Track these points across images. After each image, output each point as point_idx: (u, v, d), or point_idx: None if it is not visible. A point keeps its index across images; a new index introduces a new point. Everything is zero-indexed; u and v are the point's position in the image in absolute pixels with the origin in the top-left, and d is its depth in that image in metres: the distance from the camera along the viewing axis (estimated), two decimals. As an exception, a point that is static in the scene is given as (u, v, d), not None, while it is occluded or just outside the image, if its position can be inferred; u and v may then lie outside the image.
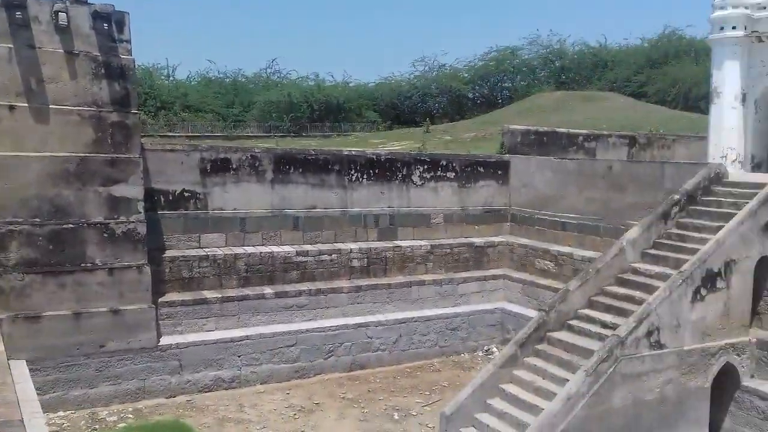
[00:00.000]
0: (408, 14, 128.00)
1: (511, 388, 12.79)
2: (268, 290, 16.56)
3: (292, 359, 16.29)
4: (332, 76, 64.59)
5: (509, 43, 58.23)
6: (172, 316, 15.39)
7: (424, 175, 19.73)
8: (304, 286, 17.00)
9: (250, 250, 16.90)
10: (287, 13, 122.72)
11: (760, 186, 14.10)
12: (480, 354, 18.58)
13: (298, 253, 17.26)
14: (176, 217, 16.31)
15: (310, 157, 18.20)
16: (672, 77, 45.36)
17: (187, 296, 15.70)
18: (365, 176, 18.78)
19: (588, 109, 38.87)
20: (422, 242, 19.21)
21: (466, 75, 58.13)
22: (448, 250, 19.47)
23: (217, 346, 15.51)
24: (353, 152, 19.85)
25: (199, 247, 16.52)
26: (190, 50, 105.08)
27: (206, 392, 15.28)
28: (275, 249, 17.18)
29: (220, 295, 15.98)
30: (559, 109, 39.36)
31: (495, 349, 18.37)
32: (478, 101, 58.01)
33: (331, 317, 17.05)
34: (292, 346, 16.26)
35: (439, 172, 19.98)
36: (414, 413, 14.53)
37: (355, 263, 18.00)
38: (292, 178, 17.79)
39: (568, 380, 11.80)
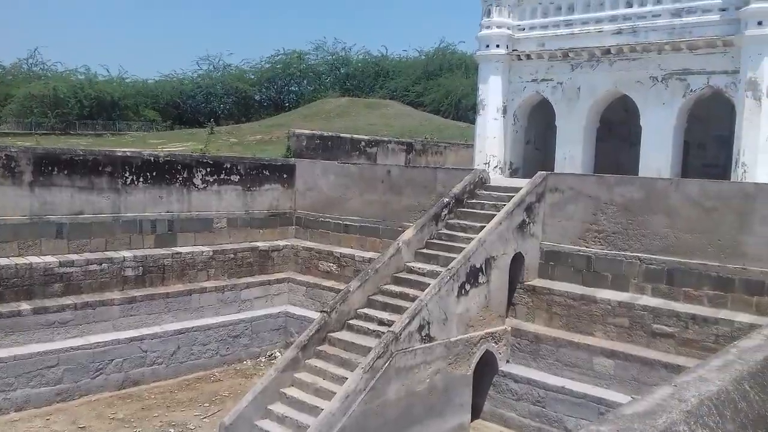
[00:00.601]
0: (191, 10, 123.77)
1: (293, 392, 12.80)
2: (24, 306, 14.81)
3: (53, 381, 14.71)
4: (107, 70, 60.09)
5: (296, 48, 58.82)
6: None
7: (207, 178, 19.07)
8: (69, 300, 15.47)
9: (2, 261, 14.97)
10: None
11: (516, 190, 15.53)
12: (263, 360, 18.36)
13: (61, 264, 15.68)
14: None
15: (77, 158, 16.65)
16: (445, 88, 48.96)
17: None
18: (142, 179, 17.64)
19: (370, 115, 40.51)
20: (204, 248, 18.52)
21: (252, 77, 57.56)
22: (232, 256, 18.99)
23: (-39, 373, 13.55)
24: (128, 153, 18.56)
25: (-64, 260, 14.31)
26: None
27: (-54, 426, 13.27)
28: (34, 260, 15.43)
29: (-37, 315, 13.98)
30: (343, 115, 40.52)
31: (278, 354, 18.27)
32: (265, 104, 57.75)
33: (100, 332, 15.67)
34: (53, 366, 14.68)
35: (223, 175, 19.43)
36: (192, 427, 13.89)
37: (129, 272, 16.79)
38: (55, 181, 16.14)
39: (347, 378, 12.10)
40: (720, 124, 20.12)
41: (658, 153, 18.40)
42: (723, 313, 12.31)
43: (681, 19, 17.89)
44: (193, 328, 17.18)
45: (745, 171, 16.58)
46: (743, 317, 12.07)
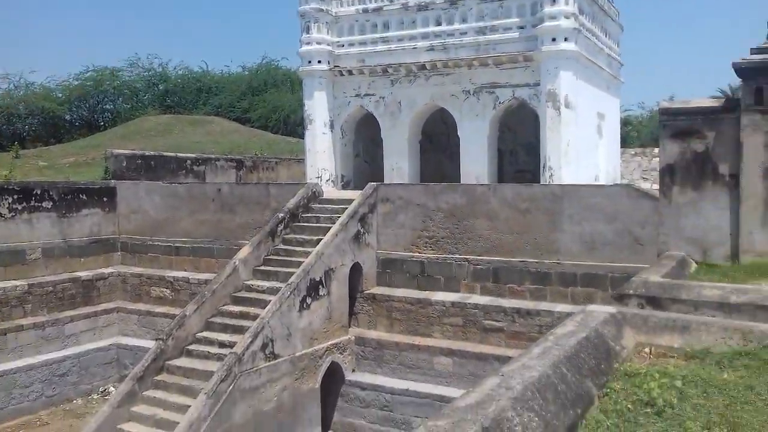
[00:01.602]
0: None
1: (131, 427, 12.09)
2: None
3: None
4: None
5: (107, 64, 55.19)
6: None
7: (15, 207, 17.37)
8: None
9: None
10: None
11: (349, 202, 15.90)
12: (96, 397, 17.09)
13: None
14: None
15: None
16: (272, 104, 48.60)
17: None
18: (-65, 211, 15.69)
19: (196, 133, 39.16)
20: (17, 282, 16.84)
21: (60, 95, 53.13)
22: (51, 288, 17.46)
23: None
24: None
25: None
26: None
27: None
28: None
29: None
30: (166, 133, 38.76)
31: (112, 389, 17.06)
32: (77, 124, 53.56)
33: None
34: None
35: (33, 202, 17.80)
36: (17, 480, 12.61)
37: (-73, 316, 14.87)
38: None
39: (190, 406, 11.63)
40: (528, 132, 22.06)
41: (475, 161, 19.75)
42: (543, 305, 13.52)
43: (485, 37, 19.38)
44: (11, 370, 15.64)
45: (551, 174, 18.32)
46: (561, 307, 13.31)
